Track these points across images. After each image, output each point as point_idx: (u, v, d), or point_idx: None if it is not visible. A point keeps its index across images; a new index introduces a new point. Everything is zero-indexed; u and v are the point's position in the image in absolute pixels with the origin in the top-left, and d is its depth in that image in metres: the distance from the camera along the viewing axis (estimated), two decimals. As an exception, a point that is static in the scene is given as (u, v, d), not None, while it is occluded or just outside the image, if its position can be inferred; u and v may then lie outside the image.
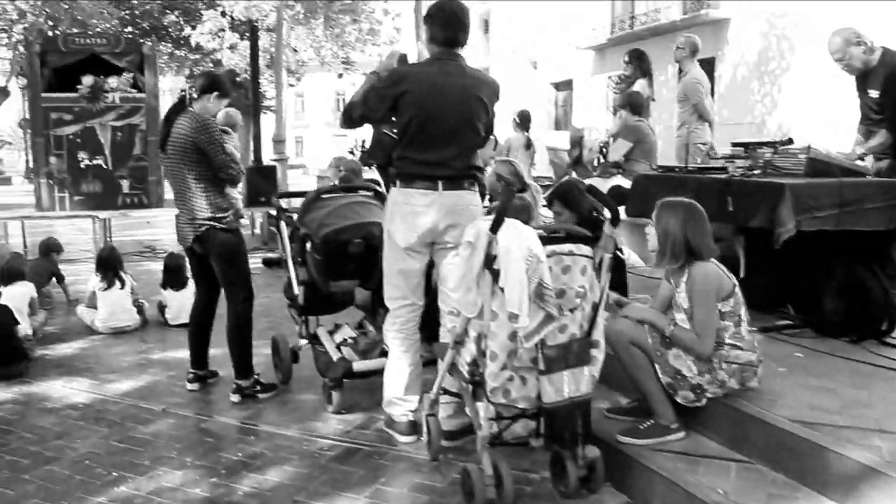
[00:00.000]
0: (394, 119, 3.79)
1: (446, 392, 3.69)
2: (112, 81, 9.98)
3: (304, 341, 4.89)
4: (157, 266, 7.18)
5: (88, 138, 10.09)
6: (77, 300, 7.19)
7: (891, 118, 5.07)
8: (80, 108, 9.98)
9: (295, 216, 4.79)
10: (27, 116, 20.39)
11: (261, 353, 4.96)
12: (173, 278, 6.64)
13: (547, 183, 8.56)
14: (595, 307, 3.19)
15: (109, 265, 6.52)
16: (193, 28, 24.80)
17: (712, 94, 7.95)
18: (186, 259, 6.83)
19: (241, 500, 3.46)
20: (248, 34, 14.95)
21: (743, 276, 5.00)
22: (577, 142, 8.46)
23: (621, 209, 4.08)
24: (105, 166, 10.16)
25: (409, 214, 3.75)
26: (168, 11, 26.01)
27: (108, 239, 10.46)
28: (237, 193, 5.01)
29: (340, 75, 29.40)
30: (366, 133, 4.38)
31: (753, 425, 3.38)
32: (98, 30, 19.92)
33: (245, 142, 18.53)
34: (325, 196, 4.75)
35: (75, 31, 17.75)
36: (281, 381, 4.93)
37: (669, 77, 18.00)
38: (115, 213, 10.27)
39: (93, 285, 6.48)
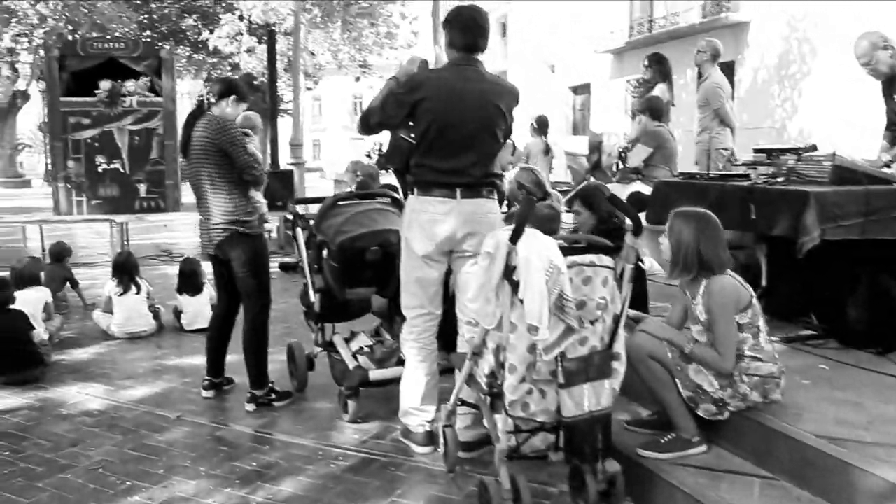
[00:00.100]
0: (411, 124, 3.75)
1: (464, 403, 3.63)
2: (129, 85, 10.01)
3: (319, 349, 4.85)
4: (174, 270, 7.17)
5: (106, 142, 10.14)
6: (94, 304, 7.19)
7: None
8: (98, 113, 10.04)
9: (311, 222, 4.75)
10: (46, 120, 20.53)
11: (276, 360, 4.92)
12: (189, 284, 6.63)
13: (565, 188, 8.49)
14: (616, 319, 3.13)
15: (125, 270, 6.52)
16: (211, 32, 24.94)
17: (732, 98, 7.83)
18: (201, 264, 6.88)
19: (255, 512, 3.43)
20: (265, 38, 14.97)
21: (765, 285, 4.94)
22: (595, 147, 8.37)
23: (641, 216, 4.03)
24: (122, 170, 10.23)
25: (426, 222, 3.70)
26: (186, 15, 26.17)
27: (126, 243, 10.48)
28: (261, 197, 4.96)
29: (358, 79, 29.44)
30: (383, 137, 4.32)
31: (777, 440, 3.30)
32: (117, 34, 20.02)
33: (263, 145, 18.55)
34: (341, 203, 4.71)
35: (94, 35, 17.84)
36: (296, 389, 4.89)
37: (689, 81, 17.85)
38: (131, 217, 10.29)
39: (109, 290, 6.47)
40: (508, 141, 4.07)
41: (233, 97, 4.61)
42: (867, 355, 4.25)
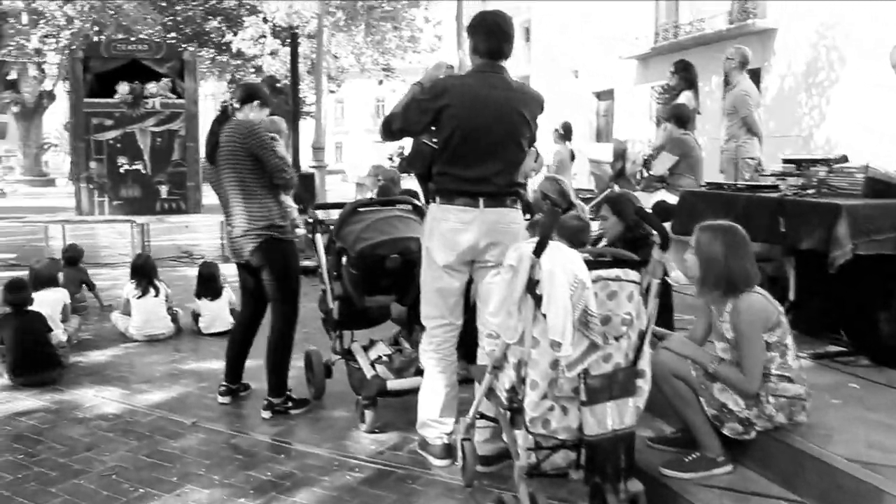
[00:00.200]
0: (433, 129, 3.67)
1: (483, 416, 3.56)
2: (151, 86, 10.04)
3: (337, 356, 4.79)
4: (194, 272, 7.13)
5: (128, 143, 10.18)
6: (110, 305, 7.19)
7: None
8: (120, 114, 10.08)
9: (332, 227, 4.69)
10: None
11: (294, 366, 4.84)
12: (208, 288, 6.59)
13: (588, 196, 8.40)
14: (642, 335, 3.03)
15: (144, 273, 6.49)
16: (235, 34, 25.03)
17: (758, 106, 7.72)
18: (220, 268, 6.85)
19: (268, 524, 3.37)
20: (288, 41, 14.98)
21: (793, 299, 4.82)
22: (620, 154, 8.27)
23: (666, 225, 3.93)
24: (144, 171, 10.24)
25: (448, 232, 3.62)
26: (210, 17, 26.32)
27: (147, 244, 10.50)
28: (292, 202, 4.90)
29: (381, 82, 29.44)
30: (406, 141, 4.26)
31: (806, 463, 3.20)
32: (141, 36, 20.16)
33: (287, 149, 18.59)
34: (361, 209, 4.64)
35: (120, 37, 17.96)
36: (313, 397, 4.83)
37: (714, 88, 17.70)
38: (152, 219, 10.30)
39: (127, 293, 6.45)
40: (532, 148, 3.98)
41: (256, 102, 4.57)
42: (900, 374, 4.14)
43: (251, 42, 24.67)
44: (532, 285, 2.83)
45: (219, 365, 4.95)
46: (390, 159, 19.32)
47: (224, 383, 4.85)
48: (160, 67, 10.29)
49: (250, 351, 4.83)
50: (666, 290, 4.54)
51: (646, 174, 7.72)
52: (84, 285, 7.35)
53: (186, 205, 10.46)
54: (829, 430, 3.39)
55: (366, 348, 4.72)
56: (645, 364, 3.09)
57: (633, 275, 3.01)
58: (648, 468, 3.42)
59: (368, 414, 4.32)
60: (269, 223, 4.42)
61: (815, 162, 4.96)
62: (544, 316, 2.80)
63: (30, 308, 5.44)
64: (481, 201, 3.59)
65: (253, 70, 27.25)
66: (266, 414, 4.55)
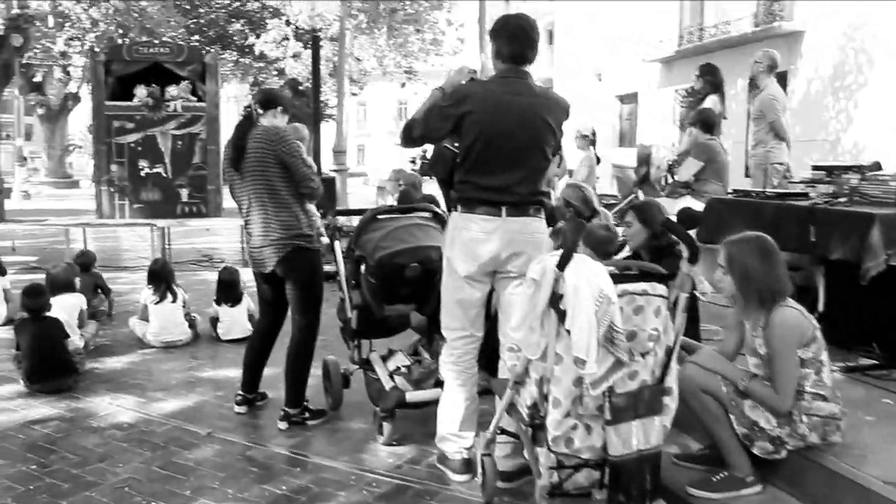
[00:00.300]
0: (456, 135, 3.58)
1: (504, 432, 3.46)
2: (171, 89, 10.03)
3: (355, 366, 4.71)
4: (214, 276, 7.07)
5: (149, 147, 10.18)
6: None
7: None
8: (141, 117, 10.08)
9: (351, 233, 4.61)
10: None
11: (312, 375, 4.73)
12: (228, 294, 6.52)
13: (612, 202, 8.26)
14: (669, 351, 2.93)
15: (161, 278, 6.44)
16: (258, 37, 25.10)
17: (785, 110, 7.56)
18: (241, 273, 6.78)
19: (282, 542, 3.28)
20: (311, 43, 14.97)
21: (822, 310, 4.68)
22: (644, 159, 8.13)
23: (692, 232, 3.82)
24: (165, 174, 10.23)
25: (469, 241, 3.52)
26: (234, 20, 26.44)
27: (167, 247, 10.48)
28: (316, 211, 4.82)
29: (403, 84, 29.41)
30: (428, 144, 4.17)
31: (840, 484, 3.07)
32: (165, 38, 20.26)
33: (308, 153, 18.61)
34: (381, 217, 4.55)
35: (144, 39, 18.04)
36: (331, 407, 4.75)
37: (739, 91, 17.47)
38: (172, 222, 10.29)
39: (144, 298, 6.40)
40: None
41: (279, 108, 4.50)
42: (937, 389, 3.99)
43: (274, 45, 24.75)
44: (556, 300, 2.72)
45: (236, 373, 4.87)
46: (412, 162, 19.27)
47: (241, 392, 4.77)
48: (181, 70, 10.29)
49: (269, 359, 4.75)
50: (692, 302, 4.42)
51: (670, 180, 7.59)
52: (100, 290, 7.30)
53: (207, 208, 10.44)
54: (864, 449, 3.26)
55: (384, 358, 4.63)
56: (672, 381, 2.98)
57: (660, 289, 2.90)
58: (674, 487, 3.31)
59: (386, 426, 4.23)
60: (297, 232, 4.34)
61: (846, 169, 4.84)
62: (568, 332, 2.70)
63: (47, 314, 5.39)
64: (504, 210, 3.48)
65: (275, 73, 27.34)
66: (283, 425, 4.47)
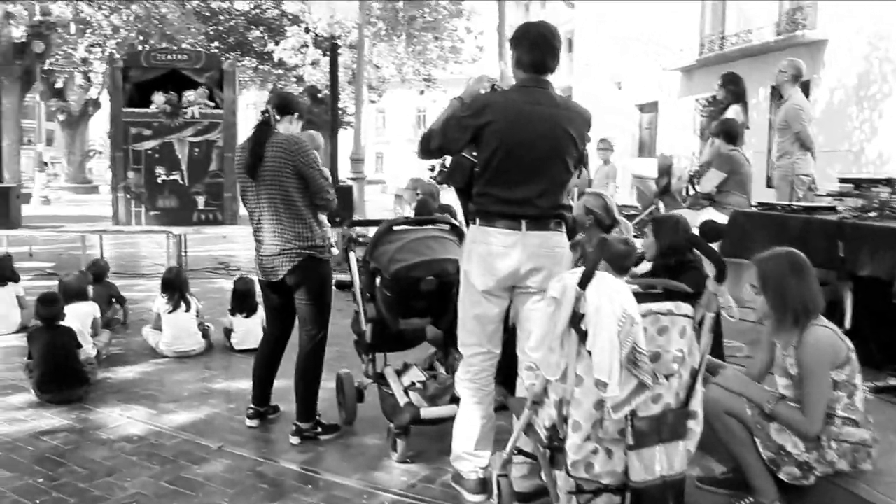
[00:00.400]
0: (475, 146, 3.48)
1: (521, 452, 3.35)
2: (189, 94, 10.00)
3: (370, 380, 4.61)
4: (230, 284, 7.00)
5: (166, 153, 10.14)
6: (145, 320, 7.09)
7: None
8: (158, 124, 10.04)
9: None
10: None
11: (325, 388, 4.65)
12: (243, 304, 6.45)
13: (632, 212, 8.14)
14: (694, 374, 2.81)
15: (175, 287, 6.37)
16: (277, 44, 25.16)
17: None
18: (256, 283, 6.70)
19: (292, 564, 3.18)
20: (329, 51, 14.95)
21: (849, 327, 4.55)
22: (665, 170, 7.97)
23: (714, 245, 3.70)
24: (181, 182, 10.19)
25: (488, 255, 3.42)
26: (253, 27, 26.51)
27: (184, 255, 10.44)
28: (326, 221, 4.74)
29: (422, 92, 29.39)
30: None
31: (873, 513, 2.94)
32: (184, 45, 20.33)
33: (324, 161, 18.59)
34: (397, 228, 4.45)
35: (164, 46, 18.08)
36: (344, 422, 4.65)
37: (761, 100, 17.29)
38: (189, 229, 10.25)
39: (158, 307, 6.34)
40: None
41: (295, 115, 4.44)
42: (970, 412, 3.85)
43: (293, 52, 24.79)
44: (576, 319, 2.61)
45: (249, 384, 4.78)
46: (431, 170, 19.17)
47: (252, 406, 4.69)
48: (199, 77, 10.24)
49: (280, 371, 4.67)
50: (716, 319, 4.30)
51: (692, 191, 7.45)
52: (114, 300, 7.23)
53: (223, 216, 10.39)
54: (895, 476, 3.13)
55: (399, 373, 4.53)
56: (697, 405, 2.86)
57: (685, 308, 2.78)
58: (698, 513, 3.19)
59: (400, 443, 4.12)
60: (311, 243, 4.28)
61: (875, 182, 4.71)
62: (589, 353, 2.59)
63: (61, 323, 5.33)
64: (524, 224, 3.38)
65: (294, 80, 27.38)
66: (294, 440, 4.38)
